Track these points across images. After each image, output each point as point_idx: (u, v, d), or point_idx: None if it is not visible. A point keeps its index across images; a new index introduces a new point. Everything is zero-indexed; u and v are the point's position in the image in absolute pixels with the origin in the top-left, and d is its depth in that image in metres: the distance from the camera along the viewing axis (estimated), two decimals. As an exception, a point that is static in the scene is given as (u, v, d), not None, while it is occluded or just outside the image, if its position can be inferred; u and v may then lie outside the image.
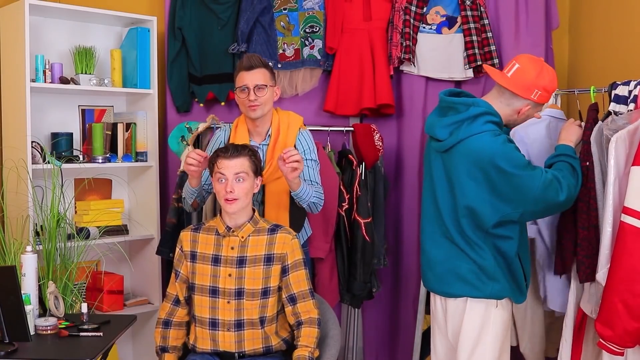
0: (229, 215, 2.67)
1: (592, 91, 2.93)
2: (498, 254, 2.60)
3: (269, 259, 2.67)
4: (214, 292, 2.67)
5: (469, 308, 2.64)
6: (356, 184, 3.55)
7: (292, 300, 2.69)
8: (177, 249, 2.78)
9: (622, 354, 2.49)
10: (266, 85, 2.89)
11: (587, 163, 2.69)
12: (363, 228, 3.51)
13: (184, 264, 2.74)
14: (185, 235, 2.77)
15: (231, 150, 2.64)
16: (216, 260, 2.68)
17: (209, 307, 2.67)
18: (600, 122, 2.70)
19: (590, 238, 2.67)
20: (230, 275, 2.65)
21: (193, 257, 2.72)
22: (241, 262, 2.67)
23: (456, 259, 2.63)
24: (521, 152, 2.57)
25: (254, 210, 2.74)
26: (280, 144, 2.96)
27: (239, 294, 2.65)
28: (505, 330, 2.70)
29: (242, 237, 2.68)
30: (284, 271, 2.70)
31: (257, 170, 2.70)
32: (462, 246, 2.61)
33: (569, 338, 2.85)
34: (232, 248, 2.68)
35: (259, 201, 3.00)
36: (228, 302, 2.65)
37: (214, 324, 2.67)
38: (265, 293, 2.66)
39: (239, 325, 2.65)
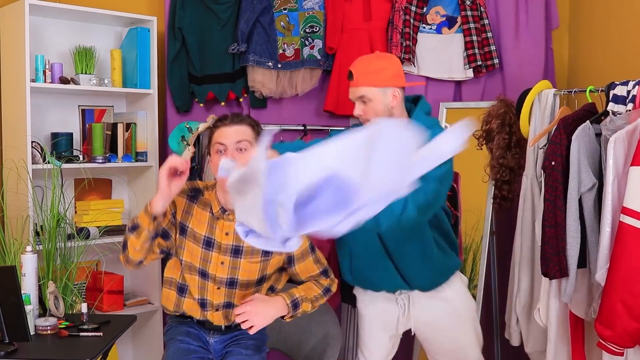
0: (225, 193, 2.39)
1: (587, 91, 2.94)
2: None
3: (267, 252, 2.45)
4: (203, 274, 2.47)
5: None
6: None
7: (301, 283, 2.58)
8: (167, 208, 2.40)
9: (622, 354, 2.49)
10: None
11: (553, 163, 2.72)
12: None
13: (169, 226, 2.47)
14: (180, 202, 2.48)
15: (231, 117, 2.42)
16: (208, 244, 2.46)
17: (198, 286, 2.49)
18: (587, 121, 2.71)
19: (557, 236, 2.70)
20: (222, 263, 2.45)
21: (183, 230, 2.48)
22: (237, 251, 2.45)
23: None
24: None
25: None
26: None
27: (231, 283, 2.48)
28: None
29: None
30: (290, 261, 2.53)
31: None
32: None
33: (553, 338, 2.87)
34: (227, 234, 2.45)
35: None
36: (218, 288, 2.48)
37: (203, 304, 2.52)
38: (260, 281, 2.52)
39: (228, 305, 2.51)
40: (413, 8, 3.81)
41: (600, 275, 2.51)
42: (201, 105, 3.78)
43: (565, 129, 2.76)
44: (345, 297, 3.64)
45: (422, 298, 2.73)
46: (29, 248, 2.69)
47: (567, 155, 2.72)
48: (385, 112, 2.54)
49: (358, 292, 2.88)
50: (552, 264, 2.73)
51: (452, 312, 2.76)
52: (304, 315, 2.61)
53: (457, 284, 2.78)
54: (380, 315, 2.80)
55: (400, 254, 2.64)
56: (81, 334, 2.61)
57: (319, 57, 3.83)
